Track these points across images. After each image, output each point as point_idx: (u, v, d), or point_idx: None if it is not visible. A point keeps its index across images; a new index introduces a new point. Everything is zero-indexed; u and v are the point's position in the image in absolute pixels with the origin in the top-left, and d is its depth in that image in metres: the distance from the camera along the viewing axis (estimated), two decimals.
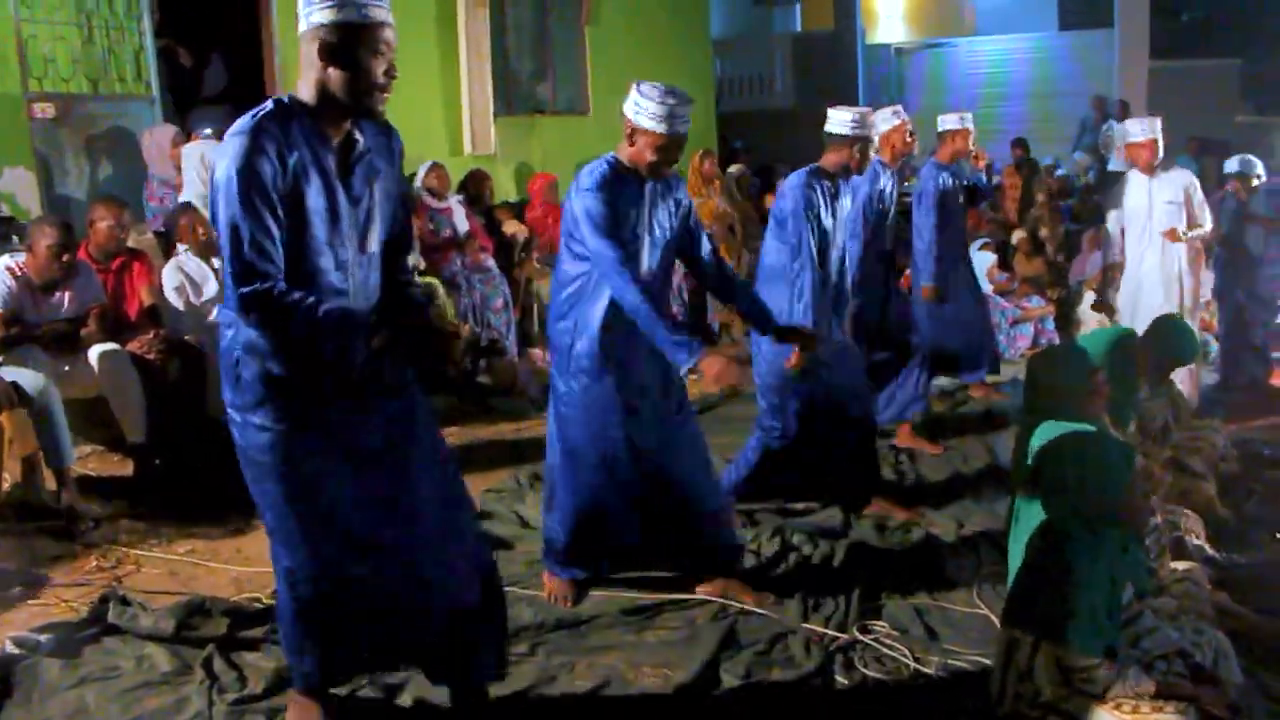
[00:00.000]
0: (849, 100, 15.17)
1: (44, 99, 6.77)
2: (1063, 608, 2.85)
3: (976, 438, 6.09)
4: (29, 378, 4.74)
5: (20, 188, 6.56)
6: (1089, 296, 8.50)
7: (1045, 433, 3.08)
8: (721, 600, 3.98)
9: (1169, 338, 4.91)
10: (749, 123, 14.35)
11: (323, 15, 2.61)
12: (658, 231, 3.80)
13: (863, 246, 5.49)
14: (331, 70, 2.63)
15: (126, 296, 5.57)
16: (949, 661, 3.57)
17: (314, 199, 2.64)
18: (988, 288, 7.99)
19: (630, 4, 11.09)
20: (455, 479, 3.04)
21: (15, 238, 5.82)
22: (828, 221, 4.70)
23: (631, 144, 3.70)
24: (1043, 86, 16.19)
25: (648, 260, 3.78)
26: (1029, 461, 3.14)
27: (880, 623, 3.84)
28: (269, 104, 2.65)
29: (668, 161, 3.72)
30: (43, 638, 3.66)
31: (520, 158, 9.80)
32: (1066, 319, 8.65)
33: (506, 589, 4.02)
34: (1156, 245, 6.56)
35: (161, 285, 5.74)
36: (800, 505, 4.93)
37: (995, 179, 11.12)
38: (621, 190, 3.68)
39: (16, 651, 3.59)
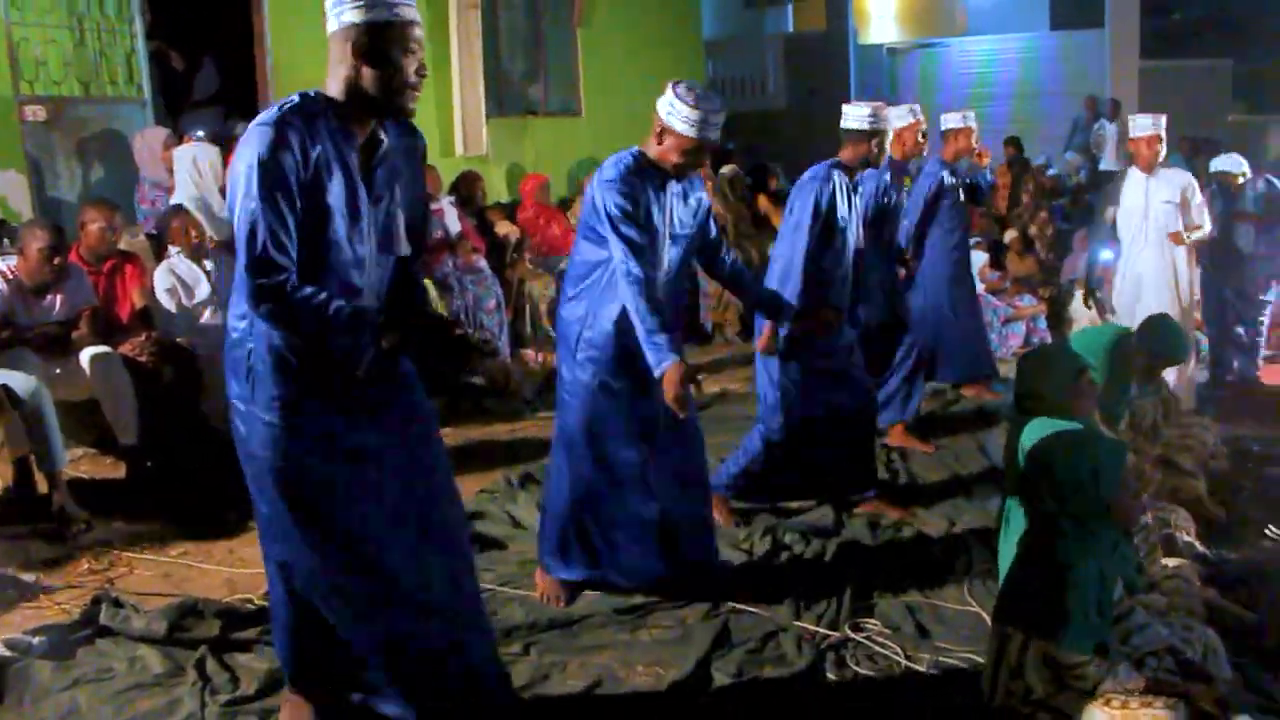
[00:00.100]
0: (840, 101, 15.24)
1: (35, 102, 6.75)
2: (1053, 605, 2.87)
3: (968, 436, 6.10)
4: (20, 380, 4.73)
5: (11, 190, 6.55)
6: (1080, 295, 8.52)
7: (1036, 430, 3.09)
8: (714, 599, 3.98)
9: (1160, 337, 4.94)
10: (741, 123, 14.33)
11: (357, 14, 2.62)
12: (677, 228, 3.81)
13: (868, 242, 5.50)
14: (365, 69, 2.63)
15: (118, 299, 5.56)
16: (940, 659, 3.58)
17: (335, 195, 2.64)
18: (980, 287, 8.01)
19: (622, 6, 11.10)
20: (449, 486, 3.04)
21: (6, 241, 5.81)
22: (844, 214, 4.73)
23: (660, 142, 3.71)
24: (1034, 86, 16.23)
25: (667, 256, 3.79)
26: (1020, 459, 3.15)
27: (872, 621, 3.85)
28: (295, 97, 2.65)
29: (694, 165, 3.74)
30: (35, 640, 3.65)
31: (512, 159, 9.81)
32: (1058, 318, 8.67)
33: (499, 589, 4.09)
34: (1153, 244, 6.53)
35: (153, 288, 5.74)
36: (794, 504, 4.93)
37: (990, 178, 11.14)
38: (644, 185, 3.69)
39: (9, 654, 3.57)
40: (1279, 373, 7.70)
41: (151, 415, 5.22)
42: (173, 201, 6.67)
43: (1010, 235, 9.71)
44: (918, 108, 6.10)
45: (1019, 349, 8.14)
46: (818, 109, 14.93)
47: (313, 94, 2.67)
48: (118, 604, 3.88)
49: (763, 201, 10.27)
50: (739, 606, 3.93)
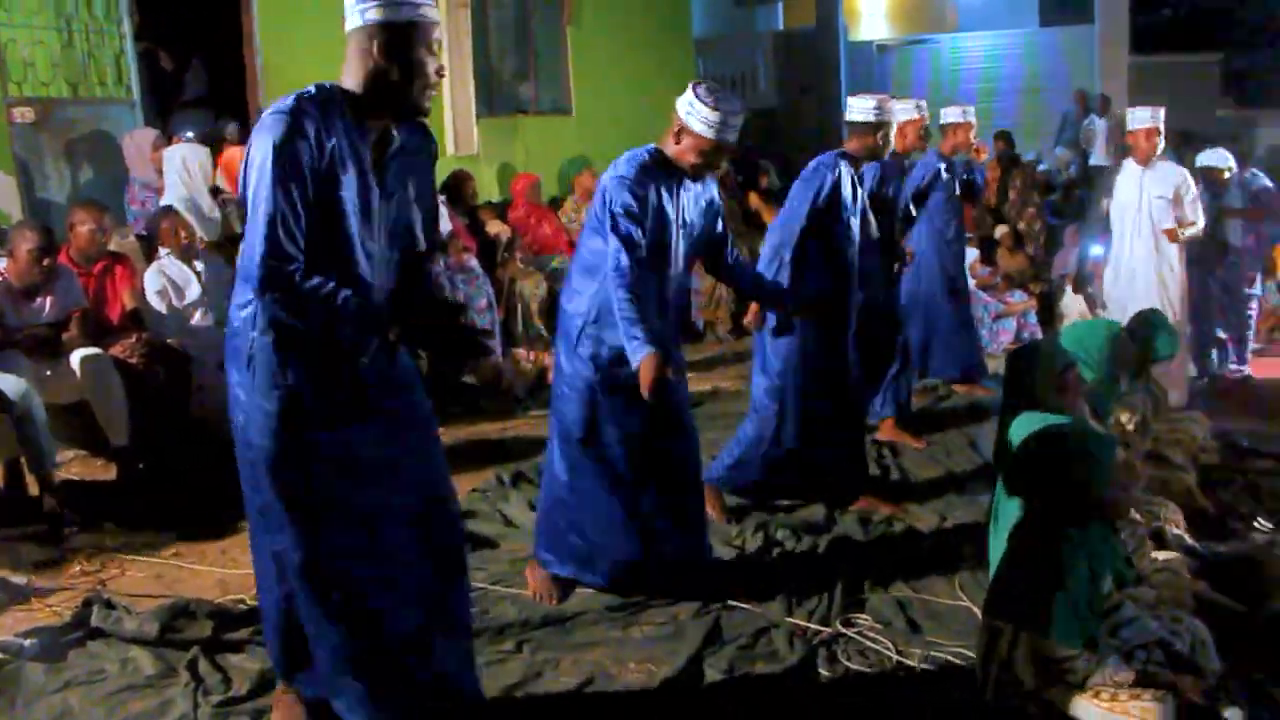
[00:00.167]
0: (831, 98, 15.26)
1: (23, 103, 6.74)
2: (1043, 598, 2.88)
3: (959, 432, 6.12)
4: (10, 383, 4.72)
5: (0, 192, 6.54)
6: (1071, 290, 8.55)
7: (1024, 425, 3.10)
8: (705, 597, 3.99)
9: (1150, 332, 4.95)
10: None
11: (382, 14, 2.64)
12: (688, 226, 3.83)
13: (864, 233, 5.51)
14: (388, 67, 2.65)
15: (108, 300, 5.56)
16: (931, 653, 3.58)
17: (347, 189, 2.65)
18: (970, 283, 8.02)
19: (612, 4, 11.10)
20: (446, 485, 3.04)
21: None
22: (850, 204, 4.76)
23: (677, 142, 3.72)
24: (1024, 82, 16.26)
25: (678, 252, 3.81)
26: (1009, 454, 3.16)
27: (863, 616, 3.86)
28: (311, 88, 2.66)
29: (711, 166, 3.76)
30: (26, 642, 3.65)
31: (503, 158, 9.80)
32: (1049, 313, 8.70)
33: (491, 587, 4.09)
34: (1146, 238, 6.52)
35: (143, 289, 5.74)
36: (785, 501, 4.94)
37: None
38: (658, 182, 3.71)
39: (0, 656, 3.58)
40: (1267, 366, 7.72)
41: (142, 417, 5.22)
42: (162, 202, 6.68)
43: (1001, 231, 9.73)
44: (923, 104, 6.14)
45: (1010, 344, 8.16)
46: (808, 106, 14.95)
47: (329, 86, 2.68)
48: (109, 605, 3.88)
49: (753, 199, 10.28)
50: (731, 603, 3.94)
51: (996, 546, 3.29)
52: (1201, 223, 6.56)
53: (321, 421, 2.76)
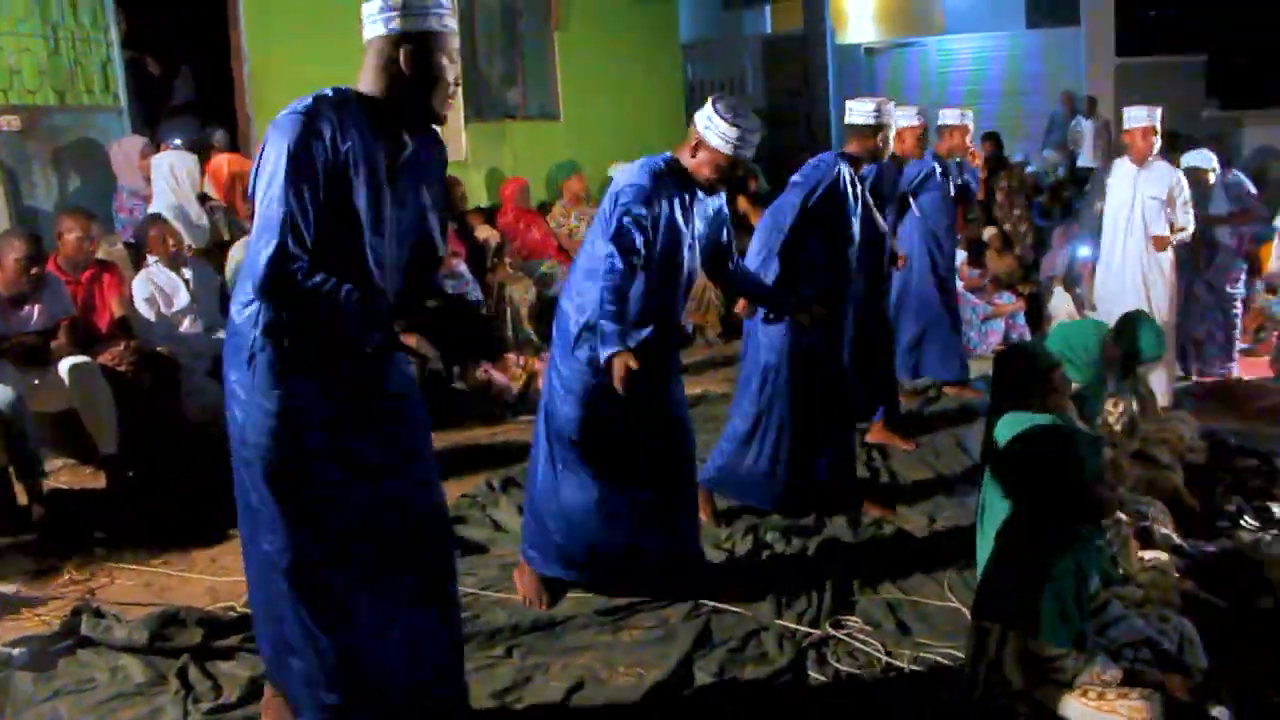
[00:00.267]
0: (819, 101, 15.30)
1: (10, 111, 6.72)
2: (1030, 598, 2.89)
3: (948, 434, 6.13)
4: None
5: None
6: (1059, 291, 8.58)
7: (1010, 425, 3.11)
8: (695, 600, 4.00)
9: (1137, 334, 4.98)
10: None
11: (405, 23, 2.67)
12: (698, 237, 3.88)
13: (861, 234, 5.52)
14: (410, 75, 2.69)
15: (97, 308, 5.55)
16: (920, 655, 3.60)
17: (359, 193, 2.66)
18: (959, 285, 8.05)
19: (599, 8, 11.11)
20: (436, 493, 3.04)
21: None
22: (851, 205, 4.78)
23: (694, 155, 3.75)
24: (1012, 84, 16.32)
25: (687, 262, 3.85)
26: (996, 453, 3.18)
27: (853, 618, 3.87)
28: (328, 90, 2.67)
29: (725, 181, 3.80)
30: (16, 651, 3.64)
31: (491, 163, 9.81)
32: (1038, 314, 8.72)
33: (481, 592, 4.09)
34: (1138, 238, 6.49)
35: (132, 296, 5.73)
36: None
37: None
38: (671, 193, 3.74)
39: None
40: (1253, 366, 7.76)
41: (131, 424, 5.22)
42: (150, 210, 6.66)
43: (989, 233, 9.76)
44: (924, 110, 6.15)
45: (998, 346, 8.18)
46: (797, 110, 14.99)
47: (345, 89, 2.70)
48: (99, 614, 3.87)
49: (742, 202, 10.28)
50: (720, 606, 3.95)
51: (984, 547, 3.30)
52: (1191, 227, 6.53)
53: (320, 424, 2.76)
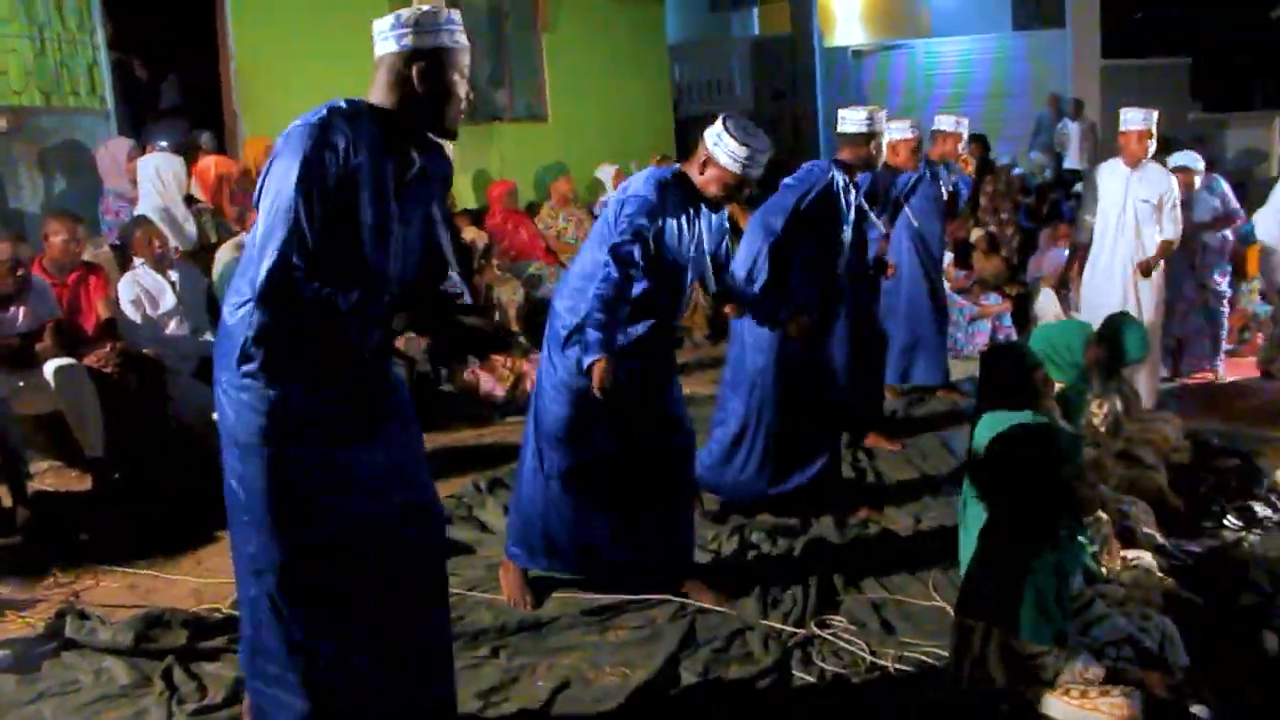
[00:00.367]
0: (807, 103, 15.34)
1: None
2: (1011, 596, 2.90)
3: (933, 434, 6.16)
4: None
5: None
6: (1046, 293, 8.60)
7: (991, 424, 3.13)
8: (680, 599, 4.01)
9: (1121, 336, 5.00)
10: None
11: (419, 40, 2.69)
12: (701, 251, 3.92)
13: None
14: (424, 92, 2.70)
15: (82, 310, 5.53)
16: (905, 654, 3.61)
17: (366, 206, 2.66)
18: (945, 286, 8.06)
19: (587, 10, 11.12)
20: (431, 501, 3.04)
21: None
22: (845, 211, 4.82)
23: (702, 171, 3.78)
24: (998, 86, 16.35)
25: (688, 275, 3.89)
26: (977, 452, 3.19)
27: (838, 617, 3.89)
28: (341, 102, 2.68)
29: (731, 199, 3.84)
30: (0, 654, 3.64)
31: (479, 165, 9.81)
32: (1024, 316, 8.74)
33: (467, 593, 4.10)
34: (1128, 240, 6.48)
35: (118, 299, 5.72)
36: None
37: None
38: (677, 207, 3.78)
39: None
40: (1238, 366, 7.79)
41: (117, 427, 5.20)
42: (136, 212, 6.65)
43: (976, 234, 9.79)
44: (919, 124, 6.16)
45: (985, 347, 8.19)
46: (784, 111, 15.02)
47: (359, 102, 2.71)
48: (83, 616, 3.87)
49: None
50: (706, 606, 3.96)
51: (966, 545, 3.32)
52: (1176, 236, 6.48)
53: (310, 429, 2.75)
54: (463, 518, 4.95)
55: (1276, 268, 7.64)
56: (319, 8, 8.04)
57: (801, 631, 3.78)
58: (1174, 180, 6.54)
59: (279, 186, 2.57)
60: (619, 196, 3.82)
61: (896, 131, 5.85)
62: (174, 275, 5.92)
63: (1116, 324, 5.12)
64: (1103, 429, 4.77)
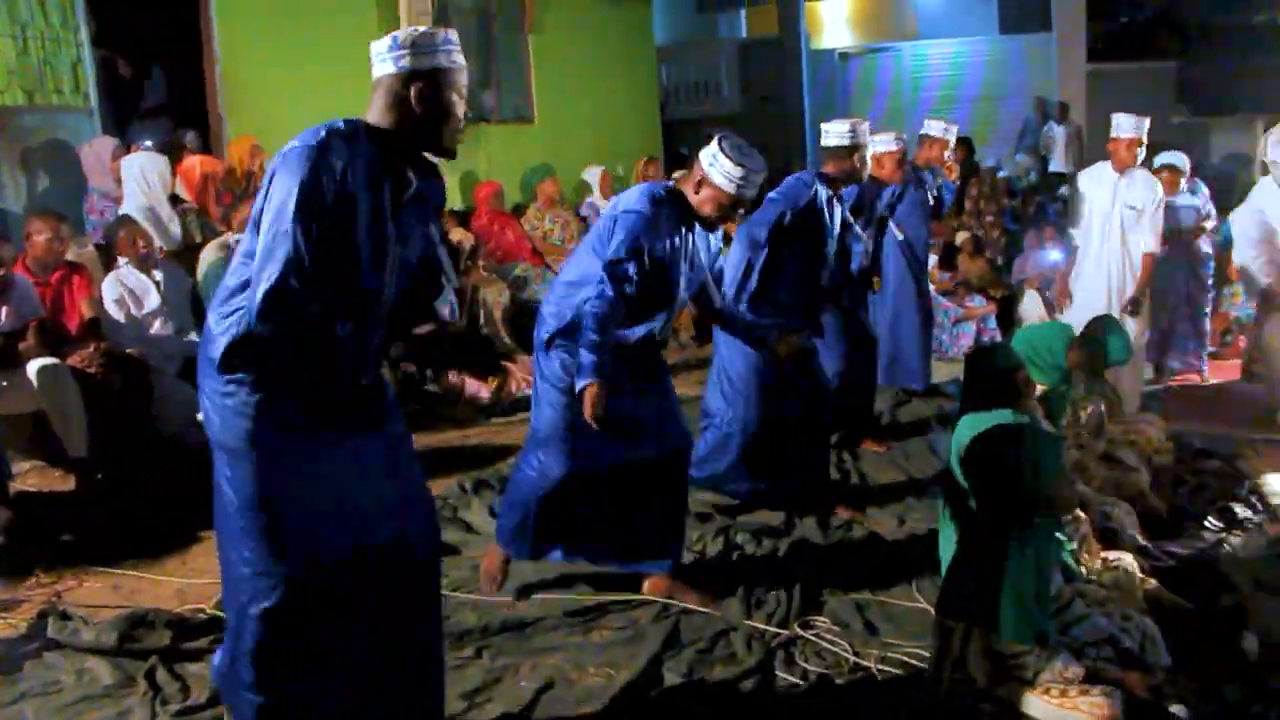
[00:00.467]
0: (794, 105, 15.35)
1: None
2: (992, 596, 2.92)
3: (918, 437, 6.17)
4: None
5: None
6: (1031, 295, 8.64)
7: (972, 425, 3.15)
8: (664, 600, 4.01)
9: (1104, 338, 5.02)
10: (696, 129, 14.38)
11: (416, 61, 2.69)
12: (695, 269, 3.92)
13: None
14: (423, 114, 2.71)
15: (66, 310, 5.52)
16: (888, 655, 3.62)
17: (363, 228, 2.65)
18: (930, 288, 8.08)
19: (574, 11, 11.12)
20: (427, 509, 3.04)
21: None
22: (828, 225, 4.84)
23: (697, 191, 3.78)
24: (984, 89, 16.43)
25: (680, 292, 3.89)
26: (958, 452, 3.21)
27: (821, 618, 3.89)
28: (339, 122, 2.68)
29: (726, 219, 3.84)
30: None
31: (465, 166, 9.79)
32: (1009, 318, 8.78)
33: (452, 594, 4.09)
34: (1113, 243, 6.49)
35: (102, 298, 5.70)
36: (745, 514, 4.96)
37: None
38: (672, 224, 3.78)
39: None
40: (1221, 369, 7.84)
41: (101, 427, 5.19)
42: (121, 212, 6.63)
43: (961, 237, 9.82)
44: (904, 136, 6.16)
45: (969, 349, 8.22)
46: (771, 114, 15.04)
47: (356, 122, 2.71)
48: (65, 616, 3.86)
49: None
50: (690, 606, 3.97)
51: (947, 546, 3.34)
52: (1155, 246, 6.47)
53: (299, 431, 2.74)
54: (448, 519, 4.94)
55: (1252, 268, 7.67)
56: (302, 10, 8.02)
57: (785, 632, 3.79)
58: (1160, 188, 6.55)
59: (279, 211, 2.56)
60: (611, 212, 3.82)
61: (881, 144, 5.83)
62: (158, 275, 5.90)
63: (1100, 326, 5.14)
64: (1086, 431, 4.79)
